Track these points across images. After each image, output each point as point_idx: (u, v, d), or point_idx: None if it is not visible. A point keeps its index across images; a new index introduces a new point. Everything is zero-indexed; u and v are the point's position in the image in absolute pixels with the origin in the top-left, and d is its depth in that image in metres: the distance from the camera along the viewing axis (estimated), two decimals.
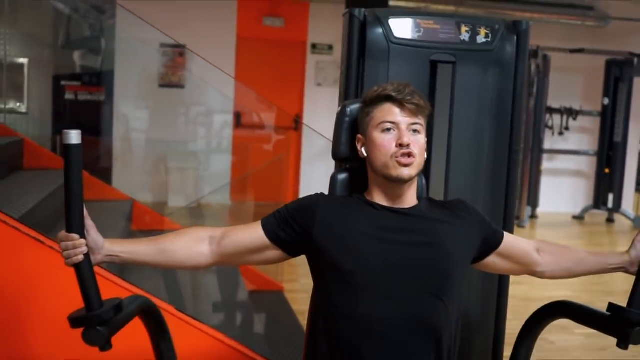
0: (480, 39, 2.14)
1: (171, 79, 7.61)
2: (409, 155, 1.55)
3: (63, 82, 6.66)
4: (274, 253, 1.61)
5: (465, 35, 2.13)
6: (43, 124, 6.53)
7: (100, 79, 6.84)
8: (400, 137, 1.55)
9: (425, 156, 1.63)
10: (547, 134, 8.39)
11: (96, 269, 1.51)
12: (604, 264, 1.74)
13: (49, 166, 3.53)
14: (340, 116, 1.73)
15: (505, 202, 2.23)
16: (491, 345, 2.27)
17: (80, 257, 1.45)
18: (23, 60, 6.14)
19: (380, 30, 2.09)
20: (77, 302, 2.07)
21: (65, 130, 1.36)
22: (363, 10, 2.12)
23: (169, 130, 7.48)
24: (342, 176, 1.76)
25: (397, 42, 2.09)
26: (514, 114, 2.21)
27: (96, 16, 6.84)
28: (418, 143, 1.57)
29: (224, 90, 7.06)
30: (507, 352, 2.32)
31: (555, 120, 8.53)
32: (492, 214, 2.21)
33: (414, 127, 1.57)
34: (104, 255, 1.52)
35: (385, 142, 1.56)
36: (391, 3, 6.89)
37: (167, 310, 2.16)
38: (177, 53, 7.65)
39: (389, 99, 1.57)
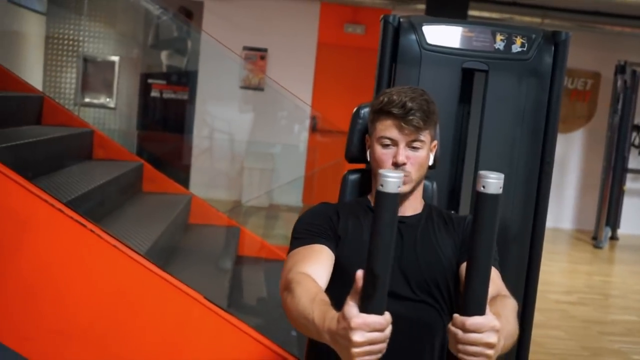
0: (516, 48, 2.13)
1: (251, 81, 7.81)
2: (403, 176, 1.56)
3: (150, 80, 6.97)
4: None
5: (500, 44, 2.12)
6: (130, 119, 6.85)
7: (184, 79, 7.11)
8: (396, 155, 1.56)
9: (431, 161, 1.64)
10: (633, 152, 8.04)
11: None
12: None
13: (115, 158, 3.73)
14: (354, 118, 1.77)
15: (535, 216, 2.19)
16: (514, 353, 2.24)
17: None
18: (114, 58, 6.47)
19: (413, 36, 2.11)
20: (112, 284, 2.21)
21: (384, 172, 1.02)
22: (397, 16, 2.15)
23: (247, 131, 7.68)
24: (353, 177, 1.80)
25: (429, 49, 2.11)
26: (548, 126, 2.17)
27: (184, 18, 7.14)
28: (417, 159, 1.58)
29: (302, 95, 7.18)
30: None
31: None
32: (520, 228, 2.19)
33: (414, 143, 1.57)
34: None
35: (383, 157, 1.58)
36: (472, 13, 6.84)
37: (213, 310, 2.23)
38: (258, 56, 7.84)
39: (390, 114, 1.56)
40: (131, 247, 2.22)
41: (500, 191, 1.00)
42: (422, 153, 1.58)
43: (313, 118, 7.68)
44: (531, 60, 2.12)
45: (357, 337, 1.04)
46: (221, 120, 7.73)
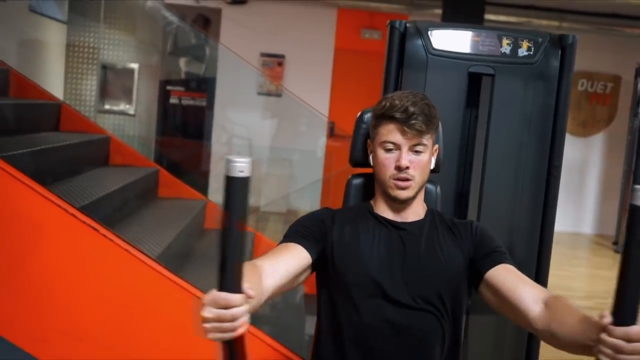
0: (522, 52, 2.13)
1: (269, 87, 7.85)
2: (406, 179, 1.57)
3: (169, 87, 7.03)
4: (304, 275, 1.59)
5: (506, 48, 2.13)
6: (149, 125, 6.90)
7: (203, 85, 7.17)
8: (399, 159, 1.57)
9: (433, 165, 1.65)
10: None
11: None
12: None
13: (131, 164, 3.78)
14: (358, 122, 1.79)
15: (543, 221, 2.18)
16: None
17: (242, 328, 1.13)
18: (134, 66, 6.54)
19: (419, 41, 2.13)
20: (123, 287, 2.24)
21: (230, 158, 1.03)
22: (404, 21, 2.16)
23: (265, 137, 7.72)
24: (357, 181, 1.81)
25: (436, 54, 2.12)
26: (555, 129, 2.17)
27: (201, 26, 7.20)
28: (419, 163, 1.59)
29: (320, 100, 7.21)
30: None
31: None
32: (528, 232, 2.18)
33: (416, 147, 1.58)
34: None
35: (386, 161, 1.59)
36: (489, 17, 6.82)
37: None
38: (276, 62, 7.89)
39: (393, 119, 1.57)
40: (143, 251, 2.25)
41: None
42: (424, 157, 1.59)
43: (331, 123, 7.70)
44: (538, 63, 2.12)
45: (206, 312, 1.10)
46: (239, 126, 7.78)
